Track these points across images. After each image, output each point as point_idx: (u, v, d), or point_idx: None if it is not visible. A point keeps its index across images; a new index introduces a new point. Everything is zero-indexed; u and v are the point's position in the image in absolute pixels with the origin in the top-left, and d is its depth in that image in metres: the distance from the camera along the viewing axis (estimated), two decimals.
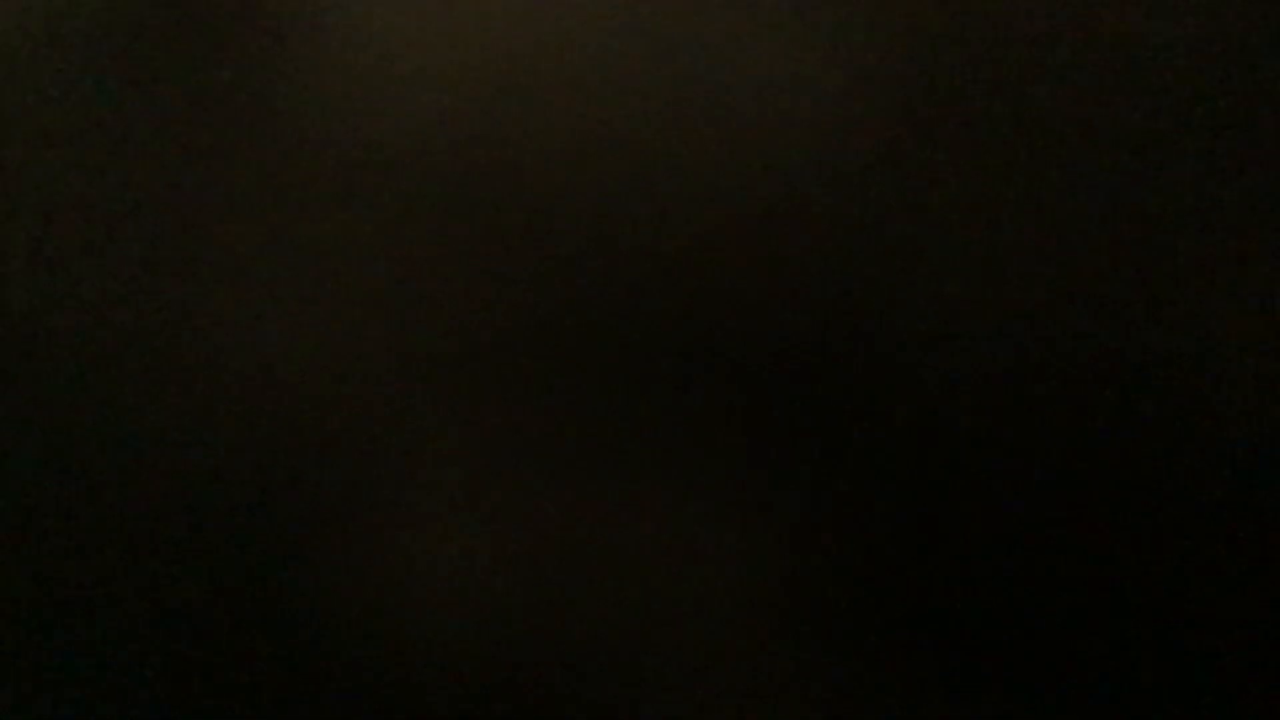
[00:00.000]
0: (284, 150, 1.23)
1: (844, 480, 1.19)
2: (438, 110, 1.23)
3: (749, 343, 1.20)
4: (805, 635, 1.19)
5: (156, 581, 1.22)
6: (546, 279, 1.21)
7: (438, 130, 1.23)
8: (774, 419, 1.20)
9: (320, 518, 1.21)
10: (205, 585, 1.22)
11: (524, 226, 1.22)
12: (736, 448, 1.20)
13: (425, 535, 1.21)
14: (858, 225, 1.21)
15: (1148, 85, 1.21)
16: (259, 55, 1.24)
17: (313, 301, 1.22)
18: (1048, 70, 1.21)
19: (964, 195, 1.20)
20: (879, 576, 1.19)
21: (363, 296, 1.22)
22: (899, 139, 1.21)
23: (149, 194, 1.24)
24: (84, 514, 1.23)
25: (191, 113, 1.24)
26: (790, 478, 1.19)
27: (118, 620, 1.22)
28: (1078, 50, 1.21)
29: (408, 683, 1.21)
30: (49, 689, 1.22)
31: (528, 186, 1.22)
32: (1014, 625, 1.18)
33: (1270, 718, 1.17)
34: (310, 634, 1.21)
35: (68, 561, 1.22)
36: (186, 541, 1.22)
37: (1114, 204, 1.20)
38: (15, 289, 1.24)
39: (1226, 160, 1.20)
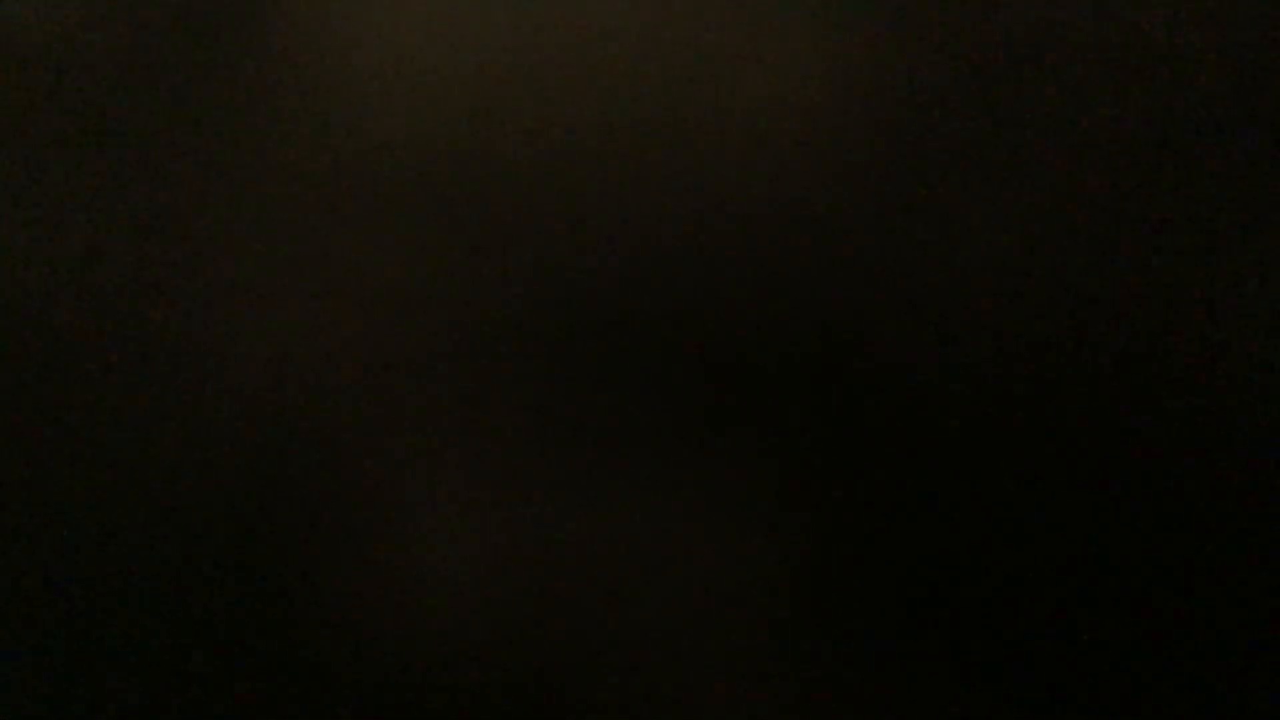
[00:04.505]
0: (284, 152, 1.23)
1: (845, 481, 1.19)
2: (438, 112, 1.23)
3: (749, 343, 1.20)
4: (805, 634, 1.19)
5: (157, 579, 1.22)
6: (547, 280, 1.21)
7: (439, 132, 1.23)
8: (773, 418, 1.20)
9: (319, 516, 1.21)
10: (206, 583, 1.21)
11: (525, 228, 1.22)
12: (736, 447, 1.20)
13: (426, 533, 1.21)
14: (857, 226, 1.21)
15: (1146, 87, 1.21)
16: (259, 57, 1.24)
17: (313, 302, 1.22)
18: (1046, 72, 1.21)
19: (962, 196, 1.20)
20: (878, 575, 1.19)
21: (363, 296, 1.22)
22: (897, 141, 1.21)
23: (150, 195, 1.24)
24: (85, 514, 1.23)
25: (192, 114, 1.24)
26: (790, 477, 1.19)
27: (118, 619, 1.22)
28: (1076, 52, 1.21)
29: (408, 681, 1.21)
30: (49, 689, 1.22)
31: (528, 188, 1.22)
32: (1014, 625, 1.18)
33: (1271, 718, 1.17)
34: (311, 632, 1.21)
35: (68, 560, 1.22)
36: (187, 539, 1.22)
37: (1112, 205, 1.20)
38: (16, 290, 1.24)
39: (1226, 160, 1.20)
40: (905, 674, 1.18)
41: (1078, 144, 1.21)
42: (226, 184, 1.23)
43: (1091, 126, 1.21)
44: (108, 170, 1.24)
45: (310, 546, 1.21)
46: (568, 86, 1.23)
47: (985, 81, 1.21)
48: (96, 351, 1.23)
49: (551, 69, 1.23)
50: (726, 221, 1.21)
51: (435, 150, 1.23)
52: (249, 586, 1.21)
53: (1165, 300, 1.19)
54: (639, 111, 1.22)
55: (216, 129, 1.24)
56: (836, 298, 1.20)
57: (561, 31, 1.23)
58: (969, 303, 1.20)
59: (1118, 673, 1.18)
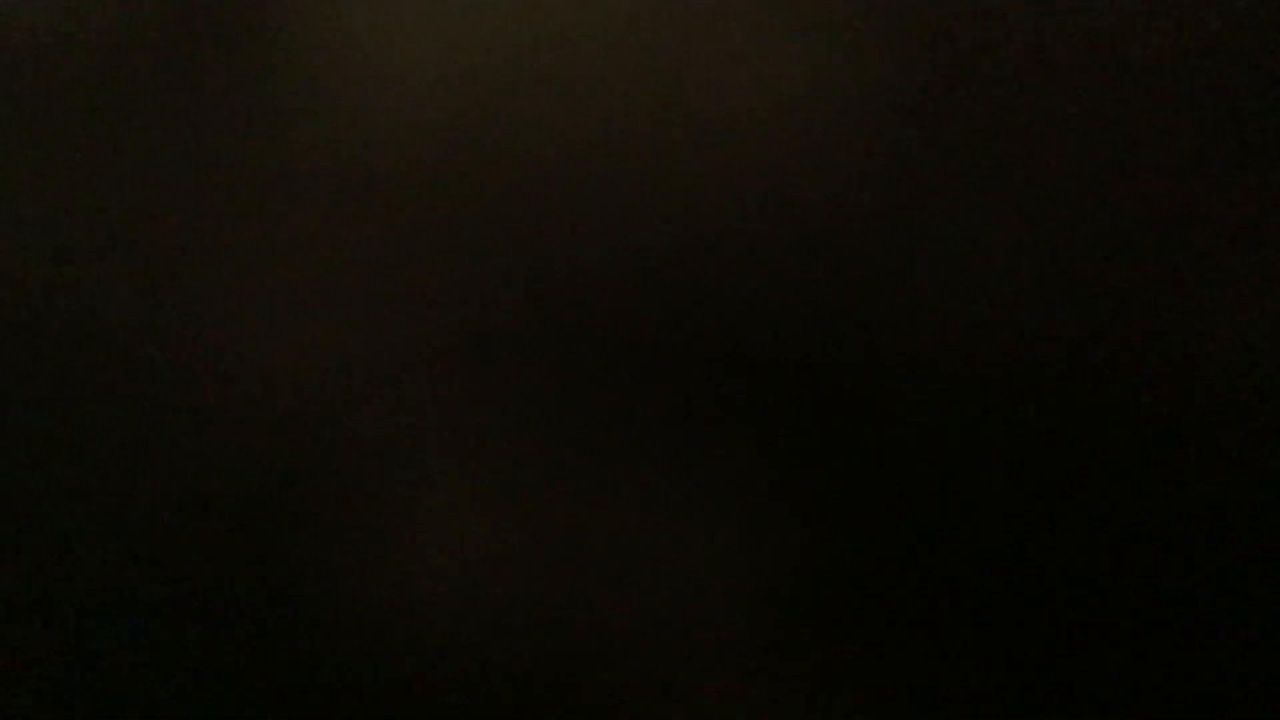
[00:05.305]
0: (285, 152, 1.23)
1: (847, 481, 1.19)
2: (439, 112, 1.23)
3: (749, 343, 1.20)
4: (806, 634, 1.19)
5: (158, 579, 1.22)
6: (548, 279, 1.21)
7: (439, 132, 1.23)
8: (775, 418, 1.20)
9: (320, 516, 1.21)
10: (206, 584, 1.22)
11: (526, 228, 1.22)
12: (737, 446, 1.20)
13: (429, 533, 1.21)
14: (857, 226, 1.21)
15: (1147, 88, 1.21)
16: (260, 56, 1.24)
17: (316, 303, 1.22)
18: (1047, 74, 1.21)
19: (964, 197, 1.20)
20: (879, 576, 1.19)
21: (364, 296, 1.22)
22: (898, 142, 1.21)
23: (151, 195, 1.24)
24: (86, 514, 1.23)
25: (193, 114, 1.24)
26: (792, 477, 1.19)
27: (118, 619, 1.22)
28: (1077, 53, 1.21)
29: (408, 682, 1.21)
30: (49, 689, 1.22)
31: (530, 187, 1.22)
32: (1014, 626, 1.18)
33: (1271, 718, 1.17)
34: (311, 633, 1.21)
35: (69, 560, 1.22)
36: (190, 540, 1.22)
37: (1112, 206, 1.20)
38: (18, 290, 1.24)
39: (1226, 161, 1.20)
40: (906, 674, 1.18)
41: (1079, 145, 1.21)
42: (228, 185, 1.23)
43: (1093, 127, 1.21)
44: (110, 171, 1.24)
45: (312, 546, 1.21)
46: (570, 88, 1.23)
47: (987, 82, 1.21)
48: (99, 352, 1.23)
49: (554, 70, 1.23)
50: (728, 222, 1.21)
51: (438, 151, 1.23)
52: (251, 586, 1.21)
53: (1165, 300, 1.19)
54: (641, 112, 1.22)
55: (218, 130, 1.24)
56: (839, 299, 1.20)
57: (564, 32, 1.23)
58: (971, 303, 1.20)
59: (1117, 673, 1.18)
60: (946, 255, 1.20)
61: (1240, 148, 1.20)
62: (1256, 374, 1.18)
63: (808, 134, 1.21)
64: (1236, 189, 1.19)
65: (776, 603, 1.19)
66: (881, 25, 1.22)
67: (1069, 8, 1.21)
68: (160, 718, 1.21)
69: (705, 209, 1.21)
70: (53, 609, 1.22)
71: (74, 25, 1.25)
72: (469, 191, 1.22)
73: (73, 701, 1.22)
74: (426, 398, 1.21)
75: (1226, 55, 1.20)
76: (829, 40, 1.22)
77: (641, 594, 1.19)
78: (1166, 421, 1.18)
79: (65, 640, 1.22)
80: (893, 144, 1.21)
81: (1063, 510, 1.18)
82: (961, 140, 1.21)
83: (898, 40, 1.22)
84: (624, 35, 1.23)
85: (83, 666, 1.22)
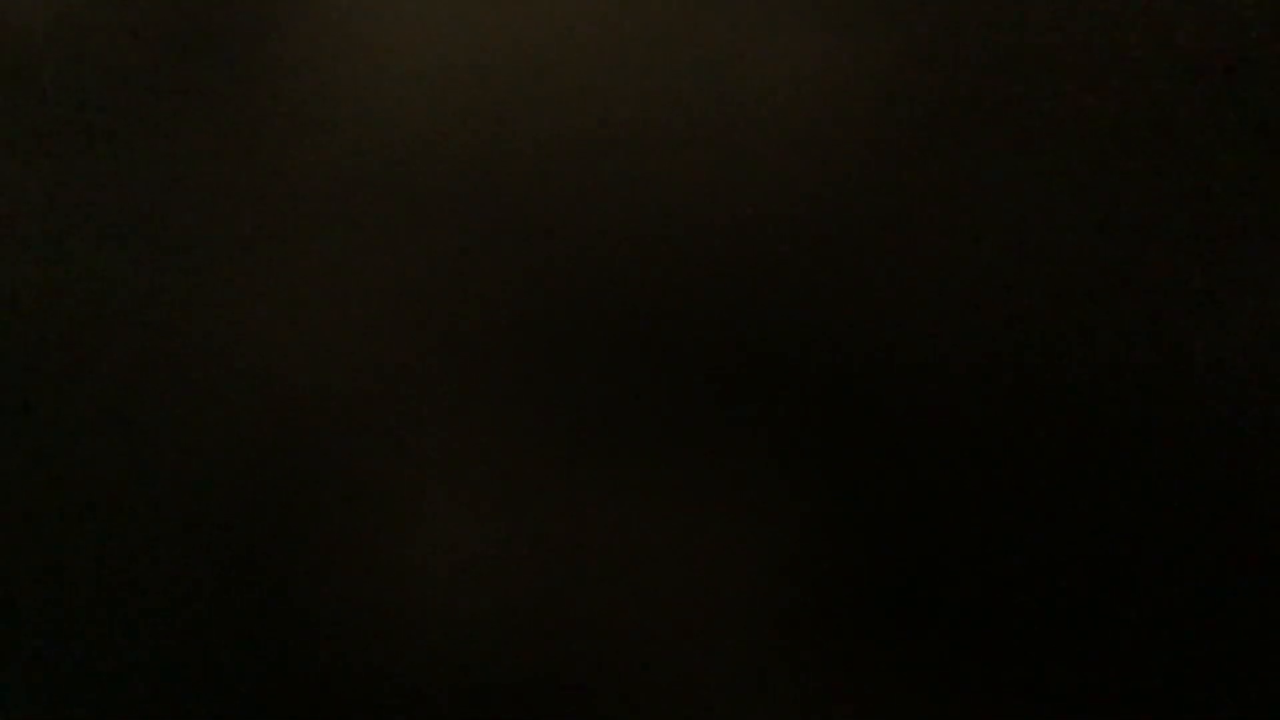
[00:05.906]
0: (284, 151, 1.23)
1: (849, 481, 1.20)
2: (439, 111, 1.23)
3: (753, 343, 1.21)
4: (810, 635, 1.19)
5: (156, 580, 1.22)
6: (550, 280, 1.22)
7: (439, 131, 1.23)
8: (777, 419, 1.20)
9: (321, 515, 1.22)
10: (205, 584, 1.22)
11: (529, 229, 1.22)
12: (739, 447, 1.20)
13: (427, 534, 1.21)
14: (859, 227, 1.21)
15: (1149, 89, 1.21)
16: (261, 55, 1.24)
17: (313, 301, 1.22)
18: (1049, 74, 1.21)
19: (965, 199, 1.21)
20: (883, 576, 1.19)
21: (365, 296, 1.22)
22: (899, 143, 1.21)
23: (150, 194, 1.24)
24: (86, 512, 1.23)
25: (193, 113, 1.24)
26: (793, 478, 1.20)
27: (117, 619, 1.22)
28: (1079, 55, 1.21)
29: (407, 682, 1.21)
30: (49, 688, 1.23)
31: (530, 187, 1.22)
32: (1016, 629, 1.19)
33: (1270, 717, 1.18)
34: (311, 632, 1.21)
35: (67, 560, 1.23)
36: (189, 538, 1.22)
37: (1115, 205, 1.20)
38: (17, 288, 1.24)
39: (1228, 164, 1.20)
40: (909, 675, 1.19)
41: (1081, 145, 1.21)
42: (229, 184, 1.24)
43: (1096, 127, 1.21)
44: (111, 170, 1.24)
45: (313, 545, 1.21)
46: (572, 88, 1.23)
47: (988, 80, 1.21)
48: (100, 351, 1.23)
49: (555, 69, 1.23)
50: (732, 221, 1.21)
51: (440, 150, 1.23)
52: (250, 585, 1.21)
53: (1167, 301, 1.19)
54: (642, 113, 1.22)
55: (219, 131, 1.24)
56: (840, 299, 1.20)
57: (566, 32, 1.23)
58: (972, 305, 1.20)
59: (1121, 676, 1.18)
60: (950, 253, 1.20)
61: (1242, 148, 1.20)
62: (1260, 372, 1.19)
63: (811, 131, 1.21)
64: (1239, 189, 1.20)
65: (780, 603, 1.19)
66: (883, 23, 1.22)
67: (1071, 7, 1.21)
68: (158, 717, 1.22)
69: (710, 209, 1.21)
70: (51, 608, 1.22)
71: (79, 23, 1.25)
72: (472, 191, 1.23)
73: (71, 701, 1.22)
74: (430, 397, 1.21)
75: (1227, 55, 1.21)
76: (834, 40, 1.22)
77: (643, 594, 1.20)
78: (1170, 421, 1.18)
79: (64, 639, 1.22)
80: (897, 142, 1.21)
81: (1067, 510, 1.18)
82: (964, 137, 1.21)
83: (899, 38, 1.22)
84: (629, 35, 1.23)
85: (81, 666, 1.22)
